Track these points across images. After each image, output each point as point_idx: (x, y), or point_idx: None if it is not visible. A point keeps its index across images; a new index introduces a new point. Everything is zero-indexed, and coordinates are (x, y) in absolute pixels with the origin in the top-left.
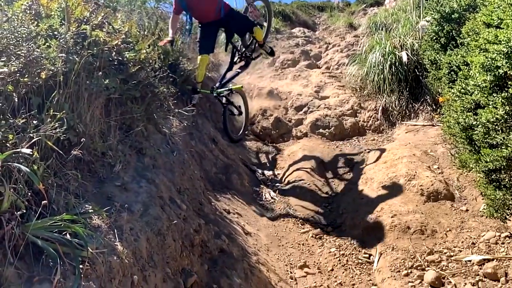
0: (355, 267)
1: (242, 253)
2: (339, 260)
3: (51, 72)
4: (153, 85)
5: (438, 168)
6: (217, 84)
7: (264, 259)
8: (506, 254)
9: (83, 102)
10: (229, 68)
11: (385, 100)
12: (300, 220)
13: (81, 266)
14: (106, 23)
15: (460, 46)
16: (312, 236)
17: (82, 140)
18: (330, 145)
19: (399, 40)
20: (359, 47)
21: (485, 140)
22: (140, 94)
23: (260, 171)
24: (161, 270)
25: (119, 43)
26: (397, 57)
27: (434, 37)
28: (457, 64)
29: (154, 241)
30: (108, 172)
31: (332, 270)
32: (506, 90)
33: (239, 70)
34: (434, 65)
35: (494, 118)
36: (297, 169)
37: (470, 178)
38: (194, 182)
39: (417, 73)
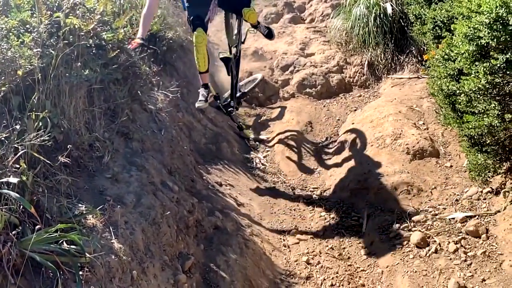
0: (345, 231)
1: (236, 227)
2: (330, 224)
3: (28, 68)
4: (134, 64)
5: (424, 124)
6: (232, 103)
7: (257, 229)
8: (487, 210)
9: (64, 96)
10: (233, 79)
11: (371, 54)
12: (291, 185)
13: (80, 272)
14: (79, 4)
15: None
16: (303, 201)
17: (68, 137)
18: (317, 104)
19: None
20: None
21: (467, 109)
22: (122, 75)
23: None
24: (159, 259)
25: (95, 26)
26: (382, 9)
27: None
28: (441, 19)
29: (149, 231)
30: (98, 164)
31: (323, 234)
32: (488, 60)
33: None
34: (419, 19)
35: (476, 88)
36: (286, 132)
37: (454, 133)
38: (184, 159)
39: (402, 23)
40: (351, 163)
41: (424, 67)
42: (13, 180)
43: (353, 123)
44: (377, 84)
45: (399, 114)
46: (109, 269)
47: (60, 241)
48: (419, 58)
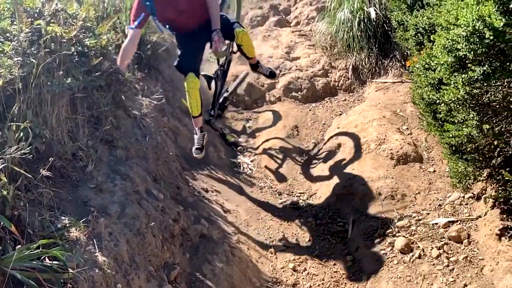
0: (331, 237)
1: (223, 234)
2: (316, 230)
3: (8, 78)
4: (118, 70)
5: (407, 128)
6: (212, 112)
7: (244, 236)
8: (469, 215)
9: (46, 105)
10: (216, 89)
11: (355, 58)
12: (278, 190)
13: None
14: (60, 10)
15: (426, 6)
16: (290, 206)
17: (50, 147)
18: (303, 108)
19: None
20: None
21: (448, 118)
22: (106, 82)
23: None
24: (144, 270)
25: (78, 32)
26: (366, 13)
27: None
28: (423, 26)
29: (134, 242)
30: (81, 174)
31: (310, 240)
32: (466, 71)
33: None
34: (401, 26)
35: (456, 98)
36: (273, 136)
37: (437, 138)
38: (169, 165)
39: (386, 28)
40: (337, 168)
41: (407, 71)
42: None
43: (338, 128)
44: (362, 88)
45: (383, 119)
46: (93, 284)
47: (42, 257)
48: (403, 63)
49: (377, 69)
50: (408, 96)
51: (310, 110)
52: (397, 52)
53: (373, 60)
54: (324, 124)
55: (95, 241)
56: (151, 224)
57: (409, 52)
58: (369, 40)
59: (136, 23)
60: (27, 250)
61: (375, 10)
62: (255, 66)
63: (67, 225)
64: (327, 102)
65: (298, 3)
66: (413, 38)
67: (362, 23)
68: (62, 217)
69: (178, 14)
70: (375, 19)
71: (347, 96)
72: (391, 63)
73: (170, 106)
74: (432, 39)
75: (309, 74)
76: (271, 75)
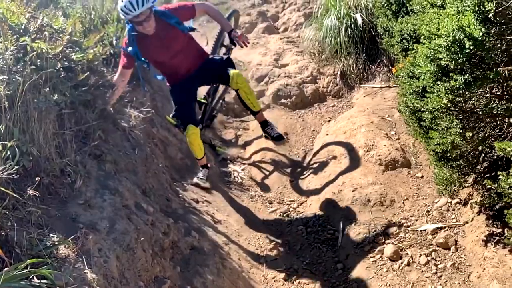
0: (321, 245)
1: (213, 246)
2: (306, 238)
3: None
4: (105, 83)
5: (395, 134)
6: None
7: (235, 247)
8: (456, 221)
9: (33, 122)
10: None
11: (343, 64)
12: (268, 199)
13: None
14: (46, 25)
15: (410, 13)
16: (280, 215)
17: (38, 164)
18: (292, 115)
19: (353, 1)
20: (316, 4)
21: (432, 125)
22: (93, 96)
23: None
24: (134, 285)
25: (64, 47)
26: (352, 19)
27: (386, 4)
28: (408, 32)
29: (124, 257)
30: (70, 190)
31: (300, 249)
32: (448, 80)
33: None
34: (387, 32)
35: (439, 106)
36: (263, 145)
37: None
38: (159, 177)
39: (373, 33)
40: (326, 175)
41: (394, 76)
42: None
43: (327, 134)
44: (350, 94)
45: (371, 124)
46: None
47: (30, 277)
48: (390, 68)
49: (365, 74)
50: (396, 101)
51: (299, 116)
52: (384, 57)
53: (361, 66)
54: (314, 130)
55: (84, 258)
56: (140, 239)
57: (395, 58)
58: (356, 45)
59: (120, 66)
60: (15, 270)
61: (361, 16)
62: (264, 125)
63: (56, 243)
64: (316, 108)
65: (286, 9)
66: (399, 44)
67: (349, 29)
68: (51, 235)
69: (171, 56)
70: (361, 25)
71: (335, 102)
72: (378, 68)
73: (159, 117)
74: (415, 48)
75: (298, 81)
76: (278, 138)
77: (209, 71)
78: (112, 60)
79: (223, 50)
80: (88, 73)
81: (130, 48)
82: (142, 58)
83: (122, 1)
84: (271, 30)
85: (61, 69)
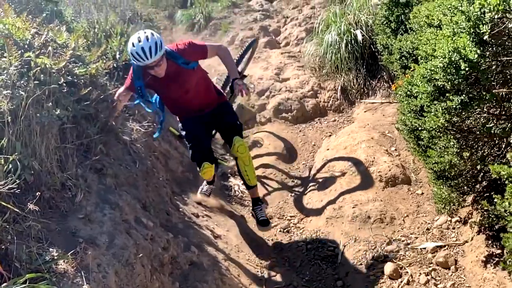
0: (321, 262)
1: (213, 261)
2: (306, 254)
3: None
4: (107, 97)
5: (396, 150)
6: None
7: (234, 263)
8: (456, 240)
9: (35, 136)
10: None
11: (343, 79)
12: (268, 214)
13: None
14: (50, 41)
15: (409, 31)
16: (280, 230)
17: (39, 177)
18: (293, 129)
19: (354, 17)
20: (317, 20)
21: (430, 144)
22: (95, 109)
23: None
24: None
25: (67, 62)
26: (353, 35)
27: (385, 22)
28: (407, 50)
29: (123, 273)
30: (70, 204)
31: (300, 265)
32: (445, 100)
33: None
34: (386, 49)
35: (436, 126)
36: (263, 158)
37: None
38: (160, 191)
39: (373, 49)
40: (327, 190)
41: (394, 94)
42: None
43: (328, 149)
44: (351, 109)
45: (371, 140)
46: None
47: None
48: (390, 83)
49: (365, 89)
50: (396, 117)
51: (300, 131)
52: (384, 73)
53: (361, 81)
54: (314, 145)
55: (83, 273)
56: (140, 255)
57: (395, 74)
58: (356, 61)
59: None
60: (13, 285)
61: (361, 32)
62: (255, 203)
63: (55, 258)
64: (317, 122)
65: (288, 24)
66: (398, 61)
67: (349, 45)
68: (50, 249)
69: (182, 93)
70: (362, 41)
71: (336, 117)
72: (379, 84)
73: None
74: (412, 67)
75: (299, 95)
76: (262, 223)
77: (220, 124)
78: (115, 73)
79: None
80: (90, 87)
81: (137, 81)
82: (148, 95)
83: (133, 45)
84: (272, 44)
85: (64, 83)
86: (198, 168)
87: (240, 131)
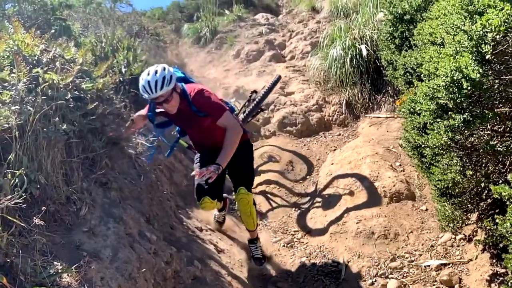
0: (324, 277)
1: (216, 276)
2: (310, 270)
3: (5, 126)
4: (113, 112)
5: (400, 165)
6: None
7: (237, 278)
8: (461, 258)
9: (42, 150)
10: None
11: (348, 93)
12: (272, 228)
13: None
14: (58, 56)
15: (413, 47)
16: (284, 245)
17: (45, 191)
18: (298, 143)
19: (358, 32)
20: (322, 34)
21: (433, 162)
22: (101, 124)
23: None
24: None
25: (74, 78)
26: (358, 50)
27: (389, 38)
28: (411, 66)
29: (125, 287)
30: (75, 218)
31: (304, 281)
32: (448, 118)
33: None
34: (391, 65)
35: (439, 143)
36: (267, 172)
37: None
38: (164, 204)
39: (378, 64)
40: (331, 205)
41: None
42: None
43: (332, 164)
44: (356, 123)
45: (376, 155)
46: None
47: None
48: (395, 98)
49: (370, 104)
50: (401, 132)
51: (304, 144)
52: (389, 88)
53: (366, 95)
54: (319, 159)
55: (86, 287)
56: (143, 269)
57: (400, 89)
58: (361, 75)
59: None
60: None
61: (366, 47)
62: (251, 242)
63: (59, 271)
64: (321, 136)
65: (293, 38)
66: (402, 77)
67: (354, 59)
68: (55, 262)
69: (195, 131)
70: (366, 56)
71: (341, 131)
72: (384, 98)
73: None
74: (416, 84)
75: (304, 109)
76: (256, 261)
77: (232, 167)
78: (121, 87)
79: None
80: (97, 102)
81: (149, 112)
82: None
83: (142, 79)
84: (278, 58)
85: (71, 98)
86: (197, 201)
87: (249, 183)
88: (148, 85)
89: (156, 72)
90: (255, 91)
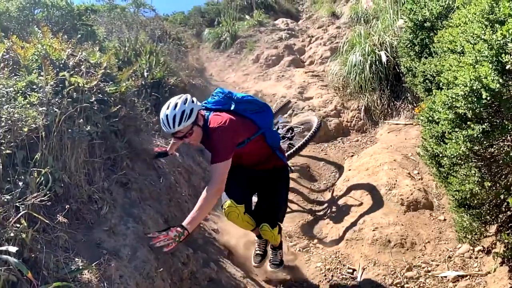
0: (340, 283)
1: (231, 279)
2: (325, 275)
3: (33, 127)
4: (136, 115)
5: (418, 173)
6: None
7: (252, 281)
8: (479, 271)
9: (66, 150)
10: None
11: (367, 99)
12: (288, 232)
13: None
14: (83, 60)
15: (433, 54)
16: (300, 250)
17: (68, 190)
18: (315, 148)
19: (378, 38)
20: (342, 39)
21: (451, 172)
22: (123, 126)
23: None
24: None
25: (98, 81)
26: (377, 56)
27: (409, 45)
28: (431, 73)
29: (143, 286)
30: (96, 216)
31: (318, 286)
32: (466, 128)
33: None
34: (410, 72)
35: (457, 153)
36: None
37: None
38: (182, 206)
39: (398, 71)
40: (347, 212)
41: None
42: (12, 249)
43: (349, 170)
44: (374, 129)
45: (394, 162)
46: None
47: None
48: (414, 105)
49: (389, 110)
50: (419, 140)
51: (322, 150)
52: (408, 94)
53: (385, 102)
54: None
55: (105, 284)
56: (160, 269)
57: (419, 96)
58: (381, 82)
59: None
60: None
61: (386, 54)
62: (274, 248)
63: (80, 267)
64: (339, 142)
65: (313, 43)
66: (422, 84)
67: (373, 65)
68: (76, 259)
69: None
70: (386, 62)
71: (359, 137)
72: (403, 105)
73: (185, 145)
74: (434, 93)
75: (322, 114)
76: (273, 265)
77: (262, 192)
78: (143, 91)
79: None
80: (120, 105)
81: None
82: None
83: (162, 112)
84: (297, 63)
85: (95, 101)
86: (221, 207)
87: (275, 217)
88: (166, 120)
89: (175, 106)
90: (289, 101)
